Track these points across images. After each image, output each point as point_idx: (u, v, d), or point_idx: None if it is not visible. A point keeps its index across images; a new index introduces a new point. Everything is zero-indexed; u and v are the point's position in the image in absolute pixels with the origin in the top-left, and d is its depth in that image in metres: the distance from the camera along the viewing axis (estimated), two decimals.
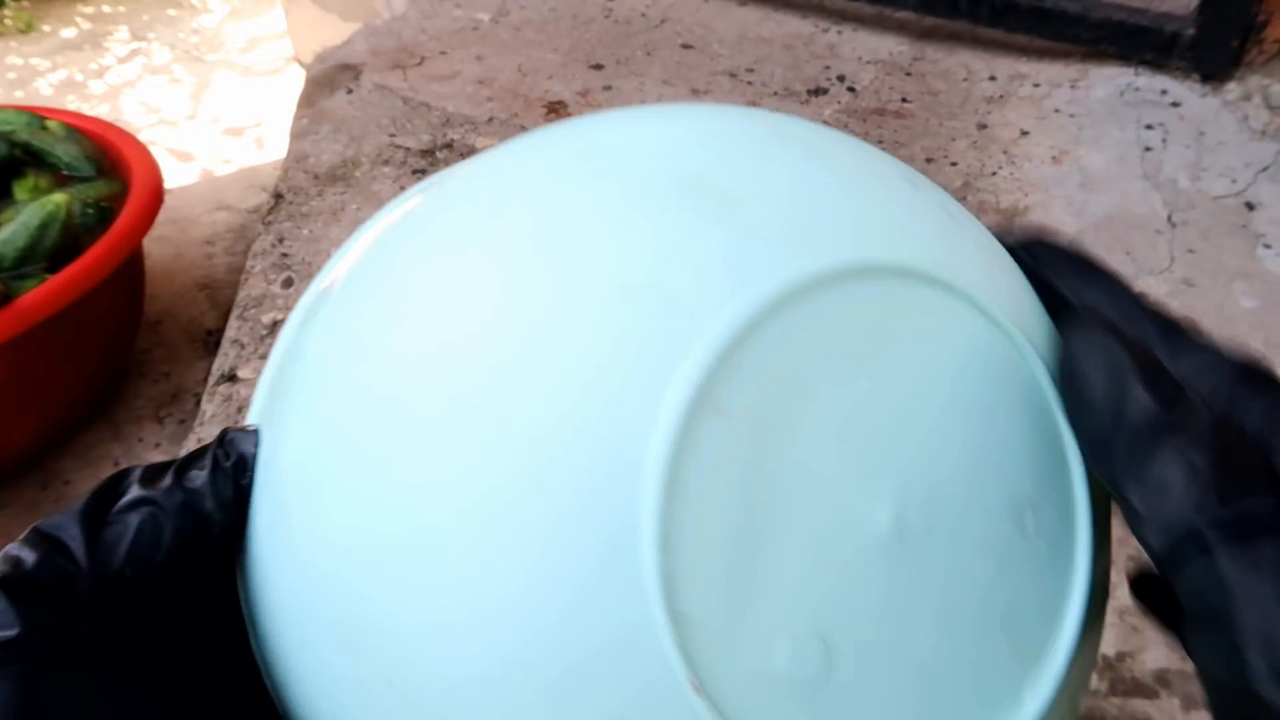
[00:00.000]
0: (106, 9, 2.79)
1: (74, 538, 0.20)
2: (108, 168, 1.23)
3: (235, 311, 0.89)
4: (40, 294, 0.98)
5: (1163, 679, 0.61)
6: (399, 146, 1.13)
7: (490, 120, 1.17)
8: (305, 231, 0.99)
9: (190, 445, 0.76)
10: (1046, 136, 1.16)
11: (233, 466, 0.23)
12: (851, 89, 1.26)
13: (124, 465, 1.14)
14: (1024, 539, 0.21)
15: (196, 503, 0.22)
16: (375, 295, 0.23)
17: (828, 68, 1.31)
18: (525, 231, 0.21)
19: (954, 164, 1.10)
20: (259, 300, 0.90)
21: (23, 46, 2.56)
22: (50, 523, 0.21)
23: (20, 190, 1.15)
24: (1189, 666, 0.62)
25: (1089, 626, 0.22)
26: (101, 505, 0.21)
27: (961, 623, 0.20)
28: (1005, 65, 1.32)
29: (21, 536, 0.21)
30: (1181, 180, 1.08)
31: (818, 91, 1.25)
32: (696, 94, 1.24)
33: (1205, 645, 0.18)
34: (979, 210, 1.02)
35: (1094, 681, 0.61)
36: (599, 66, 1.31)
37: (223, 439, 0.24)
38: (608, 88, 1.25)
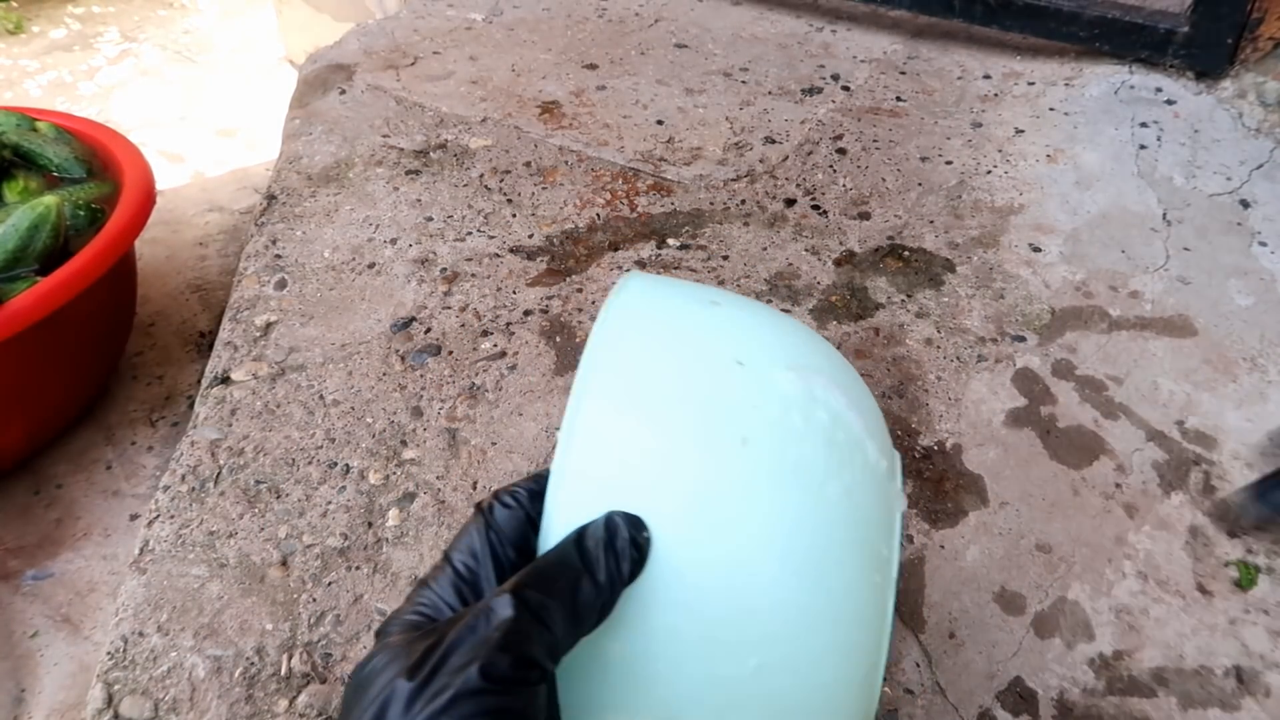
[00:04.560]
0: (96, 9, 2.78)
1: None
2: (98, 169, 1.22)
3: (228, 313, 0.88)
4: (30, 297, 0.97)
5: (1160, 678, 0.61)
6: (392, 147, 1.12)
7: (484, 120, 1.17)
8: (298, 233, 0.98)
9: (184, 448, 0.76)
10: (1041, 135, 1.16)
11: None
12: (846, 88, 1.26)
13: (116, 468, 1.14)
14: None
15: None
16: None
17: (822, 66, 1.31)
18: None
19: (949, 162, 1.10)
20: (252, 302, 0.89)
21: (11, 47, 2.55)
22: None
23: (10, 192, 1.14)
24: (1187, 664, 0.62)
25: None
26: None
27: None
28: (1000, 63, 1.32)
29: None
30: (1176, 178, 1.08)
31: (812, 90, 1.25)
32: (691, 93, 1.23)
33: None
34: (974, 209, 1.02)
35: (1091, 680, 0.61)
36: (593, 66, 1.31)
37: None
38: (601, 87, 1.25)
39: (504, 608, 0.29)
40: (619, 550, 0.31)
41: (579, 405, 0.35)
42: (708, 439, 0.34)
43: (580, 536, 0.32)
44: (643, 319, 0.39)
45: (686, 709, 0.32)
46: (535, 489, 0.34)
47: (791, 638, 0.33)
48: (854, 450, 0.36)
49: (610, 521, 0.32)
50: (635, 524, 0.32)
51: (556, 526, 0.33)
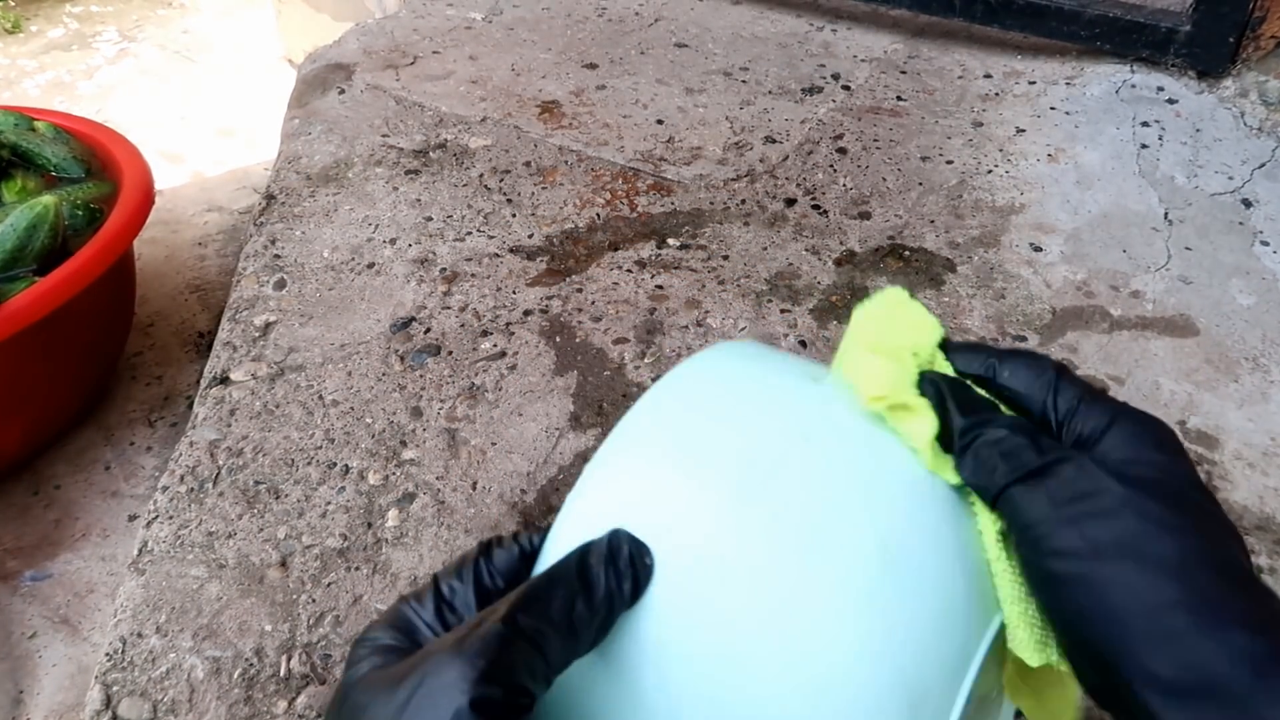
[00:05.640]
0: (95, 9, 2.78)
1: None
2: (97, 169, 1.22)
3: (227, 314, 0.88)
4: (29, 297, 0.97)
5: None
6: (392, 146, 1.12)
7: (484, 120, 1.17)
8: (298, 233, 0.98)
9: (182, 449, 0.75)
10: (1042, 134, 1.15)
11: None
12: (846, 87, 1.25)
13: (115, 469, 1.13)
14: None
15: None
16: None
17: (822, 66, 1.31)
18: None
19: (949, 162, 1.10)
20: (251, 302, 0.89)
21: (9, 46, 2.54)
22: None
23: (8, 192, 1.14)
24: None
25: None
26: None
27: None
28: (1000, 63, 1.31)
29: None
30: (1178, 177, 1.07)
31: (812, 90, 1.25)
32: (691, 93, 1.23)
33: None
34: (975, 208, 1.02)
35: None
36: (593, 66, 1.30)
37: None
38: (601, 87, 1.24)
39: (493, 634, 0.27)
40: (620, 568, 0.30)
41: (615, 442, 0.34)
42: (742, 504, 0.32)
43: (583, 552, 0.31)
44: (718, 375, 0.37)
45: None
46: (539, 540, 0.34)
47: None
48: (918, 579, 0.31)
49: (614, 538, 0.31)
50: (639, 546, 0.31)
51: (557, 550, 0.32)
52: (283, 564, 0.66)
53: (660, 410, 0.35)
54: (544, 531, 0.34)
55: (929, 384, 0.34)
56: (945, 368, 0.36)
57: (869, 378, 0.35)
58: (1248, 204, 1.03)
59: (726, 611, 0.30)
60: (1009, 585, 0.32)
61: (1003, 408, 0.34)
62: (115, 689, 0.59)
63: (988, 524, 0.33)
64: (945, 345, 0.37)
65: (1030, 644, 0.31)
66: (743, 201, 1.03)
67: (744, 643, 0.30)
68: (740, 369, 0.38)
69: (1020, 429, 0.32)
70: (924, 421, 0.33)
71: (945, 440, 0.33)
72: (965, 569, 0.32)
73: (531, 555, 0.33)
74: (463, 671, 0.26)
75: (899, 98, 1.23)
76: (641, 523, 0.32)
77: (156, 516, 0.70)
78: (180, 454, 0.74)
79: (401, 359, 0.83)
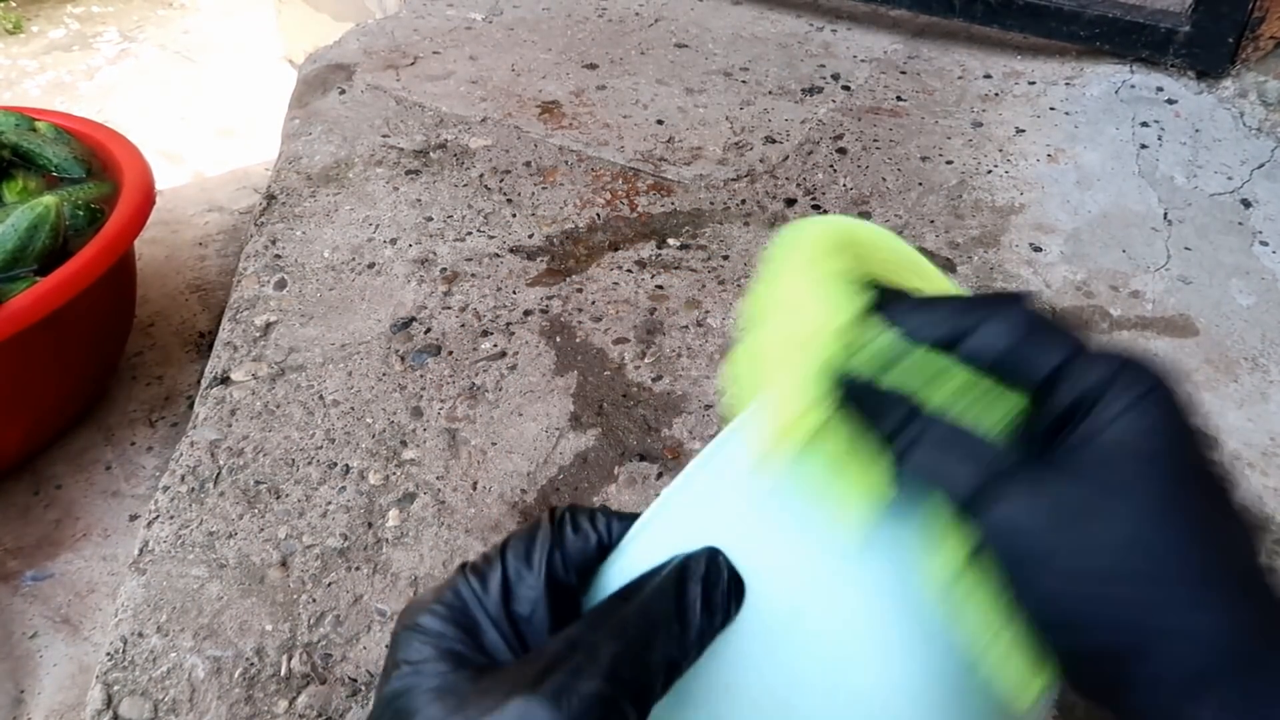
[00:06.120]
0: (96, 9, 2.78)
1: None
2: (98, 169, 1.22)
3: (228, 314, 0.88)
4: (30, 297, 0.97)
5: None
6: (392, 147, 1.12)
7: (484, 120, 1.17)
8: (298, 233, 0.98)
9: (183, 449, 0.76)
10: (1042, 134, 1.15)
11: None
12: (846, 87, 1.25)
13: (116, 469, 1.13)
14: None
15: None
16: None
17: (822, 66, 1.31)
18: None
19: (949, 162, 1.10)
20: (252, 302, 0.89)
21: (10, 47, 2.54)
22: None
23: (9, 192, 1.14)
24: None
25: None
26: None
27: None
28: (1000, 63, 1.32)
29: None
30: (1177, 177, 1.07)
31: (812, 90, 1.25)
32: (691, 93, 1.23)
33: None
34: (975, 208, 1.02)
35: None
36: (593, 66, 1.30)
37: None
38: (601, 87, 1.25)
39: (592, 698, 0.24)
40: (716, 600, 0.27)
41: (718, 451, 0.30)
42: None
43: (681, 574, 0.27)
44: None
45: None
46: (618, 530, 0.30)
47: None
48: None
49: (714, 559, 0.28)
50: (736, 576, 0.28)
51: (641, 553, 0.29)
52: (283, 564, 0.66)
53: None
54: (623, 520, 0.30)
55: (840, 386, 0.28)
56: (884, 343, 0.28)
57: (771, 399, 0.28)
58: (1247, 204, 1.03)
59: (796, 673, 0.28)
60: (990, 617, 0.27)
61: (963, 377, 0.27)
62: (116, 688, 0.59)
63: (948, 551, 0.27)
64: (886, 297, 0.30)
65: (1023, 677, 0.27)
66: (743, 201, 1.03)
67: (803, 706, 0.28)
68: None
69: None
70: (838, 447, 0.28)
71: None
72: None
73: (608, 549, 0.30)
74: None
75: (899, 98, 1.23)
76: (740, 550, 0.28)
77: (157, 516, 0.70)
78: (181, 454, 0.75)
79: (402, 359, 0.83)
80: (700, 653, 0.27)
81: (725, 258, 0.95)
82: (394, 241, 0.97)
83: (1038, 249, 0.96)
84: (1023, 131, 1.16)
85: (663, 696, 0.26)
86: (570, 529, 0.30)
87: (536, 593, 0.28)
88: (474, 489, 0.71)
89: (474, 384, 0.80)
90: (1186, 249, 0.96)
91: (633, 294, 0.90)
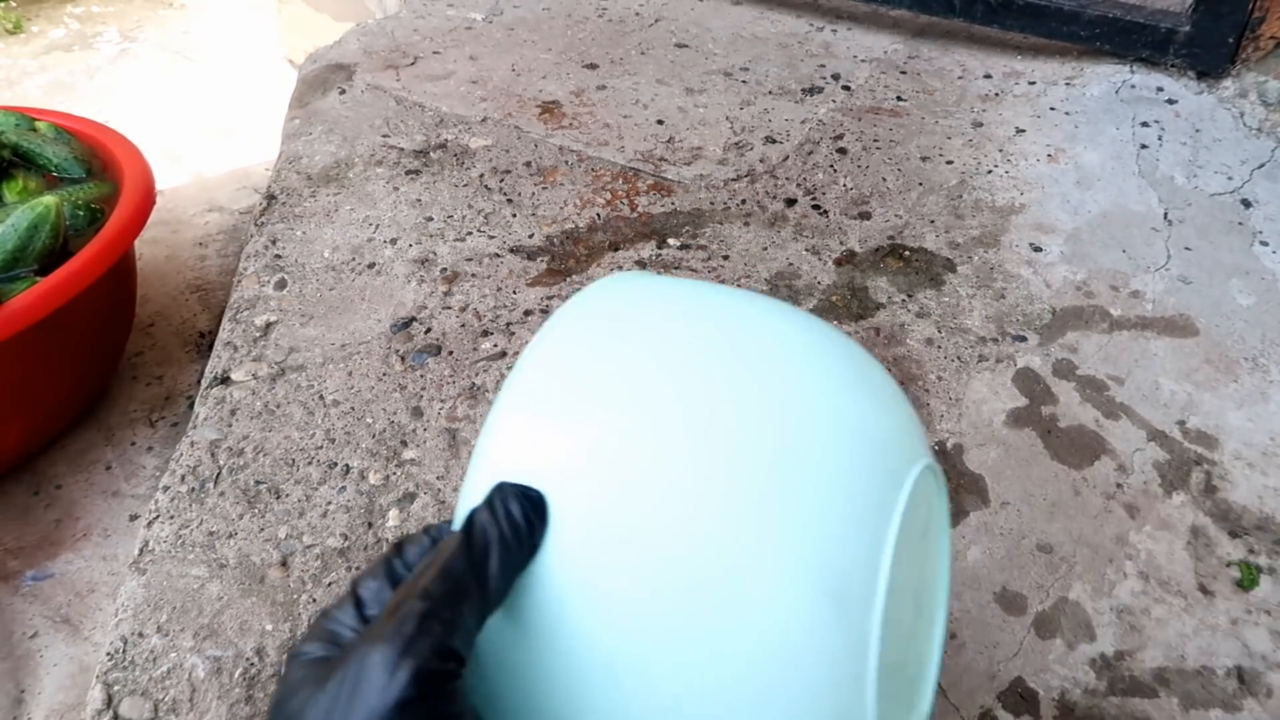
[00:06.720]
0: (96, 9, 2.78)
1: None
2: (98, 169, 1.22)
3: (228, 314, 0.88)
4: (30, 297, 0.97)
5: (1161, 678, 0.61)
6: (392, 147, 1.12)
7: (484, 120, 1.17)
8: (298, 233, 0.98)
9: (183, 449, 0.76)
10: (1042, 134, 1.15)
11: None
12: (846, 87, 1.25)
13: (116, 469, 1.13)
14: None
15: None
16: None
17: (823, 66, 1.31)
18: None
19: (949, 162, 1.10)
20: (252, 302, 0.89)
21: (11, 47, 2.54)
22: None
23: (9, 192, 1.14)
24: (1188, 665, 0.62)
25: None
26: None
27: None
28: (1001, 63, 1.32)
29: None
30: (1178, 177, 1.07)
31: (813, 90, 1.25)
32: (691, 93, 1.23)
33: None
34: (975, 208, 1.02)
35: (1093, 681, 0.61)
36: (593, 66, 1.30)
37: None
38: (602, 87, 1.25)
39: (411, 611, 0.28)
40: (512, 520, 0.31)
41: (501, 397, 0.34)
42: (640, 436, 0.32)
43: (471, 514, 0.31)
44: (599, 312, 0.37)
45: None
46: (446, 528, 0.34)
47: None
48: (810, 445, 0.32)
49: (498, 492, 0.32)
50: (529, 495, 0.32)
51: (462, 509, 0.33)
52: (283, 564, 0.66)
53: (541, 357, 0.35)
54: (452, 521, 0.34)
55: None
56: None
57: None
58: (1247, 204, 1.03)
59: (631, 549, 0.31)
60: None
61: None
62: (116, 688, 0.59)
63: None
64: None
65: None
66: (743, 201, 1.03)
67: (650, 581, 0.30)
68: (614, 305, 0.38)
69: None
70: None
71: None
72: (873, 429, 0.33)
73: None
74: (390, 652, 0.27)
75: (899, 98, 1.23)
76: (532, 473, 0.32)
77: (157, 516, 0.70)
78: (181, 454, 0.75)
79: (402, 359, 0.83)
80: (512, 563, 0.31)
81: (725, 258, 0.95)
82: (394, 241, 0.97)
83: (1038, 249, 0.96)
84: (1023, 131, 1.16)
85: (496, 606, 0.30)
86: (407, 543, 0.34)
87: (383, 598, 0.31)
88: None
89: (474, 384, 0.80)
90: (1186, 249, 0.97)
91: None
